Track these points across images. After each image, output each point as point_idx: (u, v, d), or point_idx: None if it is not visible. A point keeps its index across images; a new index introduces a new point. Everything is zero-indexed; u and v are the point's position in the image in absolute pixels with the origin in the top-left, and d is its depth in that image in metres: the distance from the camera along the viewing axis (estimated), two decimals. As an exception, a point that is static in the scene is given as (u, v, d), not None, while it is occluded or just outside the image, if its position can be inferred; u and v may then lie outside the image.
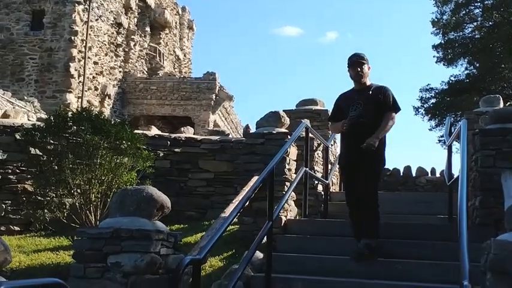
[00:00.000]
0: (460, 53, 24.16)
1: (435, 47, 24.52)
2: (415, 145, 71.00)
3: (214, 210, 8.65)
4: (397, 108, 5.09)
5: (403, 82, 78.99)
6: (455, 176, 6.28)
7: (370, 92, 5.02)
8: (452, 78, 24.29)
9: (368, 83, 5.13)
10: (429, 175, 11.98)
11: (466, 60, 24.21)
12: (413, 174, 12.00)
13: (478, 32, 24.04)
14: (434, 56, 24.80)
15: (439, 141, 23.75)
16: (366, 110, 4.93)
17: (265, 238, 5.00)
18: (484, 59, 22.44)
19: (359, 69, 5.03)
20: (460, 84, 23.64)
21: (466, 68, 24.38)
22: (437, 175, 11.73)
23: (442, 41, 24.43)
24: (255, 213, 6.44)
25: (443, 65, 24.62)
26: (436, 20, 24.21)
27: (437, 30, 24.32)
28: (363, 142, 4.81)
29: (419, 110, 24.64)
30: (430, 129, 24.82)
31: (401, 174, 12.01)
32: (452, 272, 4.42)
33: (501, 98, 9.38)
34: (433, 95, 24.57)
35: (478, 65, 23.67)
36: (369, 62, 5.14)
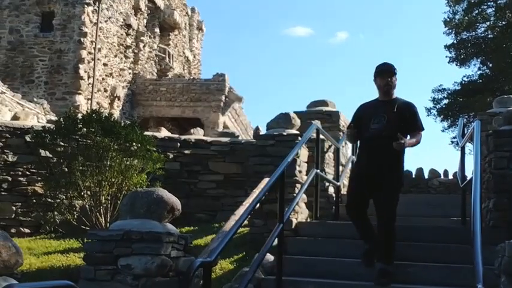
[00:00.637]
0: (473, 53, 24.01)
1: (447, 47, 24.39)
2: (427, 147, 70.64)
3: (224, 213, 8.62)
4: (423, 128, 4.95)
5: (415, 83, 78.62)
6: (468, 178, 6.21)
7: (396, 106, 4.80)
8: (465, 79, 24.18)
9: (394, 95, 4.92)
10: (442, 177, 11.88)
11: (478, 60, 24.06)
12: (426, 176, 11.92)
13: (491, 31, 23.87)
14: (446, 56, 24.71)
15: (452, 142, 23.62)
16: (390, 124, 4.71)
17: (275, 241, 4.96)
18: (497, 59, 22.28)
19: (389, 79, 4.80)
20: (473, 84, 23.49)
21: (479, 68, 24.24)
22: (450, 177, 11.63)
23: (455, 41, 24.30)
24: (265, 216, 6.41)
25: (456, 65, 24.50)
26: (448, 19, 24.08)
27: (450, 30, 24.19)
28: (383, 155, 4.65)
29: (432, 111, 24.52)
30: (443, 131, 24.71)
31: (414, 176, 11.92)
32: (465, 275, 4.37)
33: (515, 99, 9.26)
34: (445, 96, 24.44)
35: (491, 65, 23.51)
36: (398, 73, 4.94)
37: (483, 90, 22.02)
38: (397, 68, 4.85)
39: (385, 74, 4.78)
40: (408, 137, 4.81)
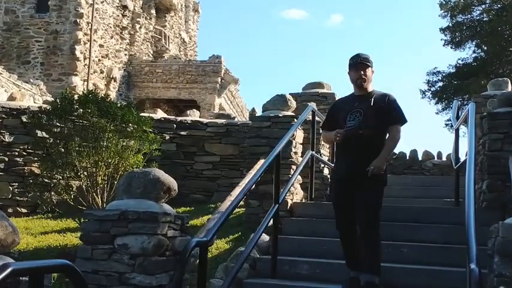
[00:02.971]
0: (468, 36, 23.95)
1: (443, 30, 24.32)
2: (421, 129, 70.81)
3: (220, 193, 8.69)
4: (403, 120, 4.41)
5: (410, 65, 78.50)
6: (462, 160, 6.26)
7: (372, 100, 4.34)
8: (459, 62, 24.15)
9: (370, 89, 4.44)
10: (435, 159, 11.95)
11: (473, 43, 24.02)
12: (420, 158, 11.98)
13: (487, 14, 23.79)
14: (441, 39, 24.62)
15: (446, 125, 23.68)
16: (366, 120, 4.26)
17: (271, 221, 5.02)
18: (492, 42, 22.24)
19: (362, 73, 4.33)
20: (468, 67, 23.47)
21: (474, 51, 24.20)
22: (444, 159, 11.70)
23: (450, 24, 24.21)
24: (261, 197, 6.46)
25: (451, 48, 24.45)
26: (444, 2, 23.96)
27: (445, 13, 24.08)
28: (362, 156, 4.19)
29: (426, 93, 24.54)
30: (437, 113, 24.74)
31: (408, 157, 11.98)
32: (459, 255, 4.43)
33: (509, 81, 9.30)
34: (440, 78, 24.44)
35: (486, 48, 23.47)
36: (373, 64, 4.45)
37: (478, 73, 22.01)
38: (371, 59, 4.41)
39: (357, 66, 4.34)
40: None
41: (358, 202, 4.16)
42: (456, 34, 24.19)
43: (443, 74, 24.35)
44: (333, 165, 4.64)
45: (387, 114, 4.30)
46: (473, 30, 23.88)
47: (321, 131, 5.21)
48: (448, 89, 24.03)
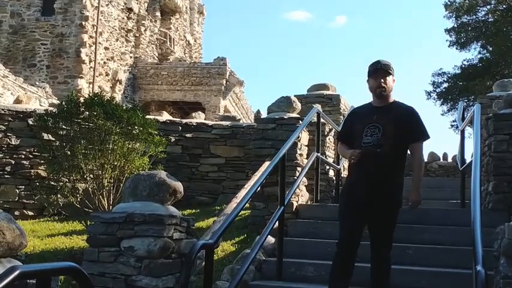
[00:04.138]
0: (473, 37, 23.92)
1: (448, 31, 24.31)
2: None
3: (225, 196, 8.70)
4: (426, 136, 4.06)
5: (415, 66, 78.31)
6: (468, 161, 6.24)
7: (393, 113, 3.93)
8: (465, 63, 24.14)
9: (391, 99, 4.03)
10: (441, 160, 11.92)
11: (479, 44, 23.99)
12: (425, 160, 11.93)
13: (492, 15, 23.74)
14: (447, 40, 24.64)
15: (452, 126, 23.67)
16: (386, 135, 3.85)
17: (276, 223, 5.02)
18: (497, 43, 22.19)
19: (382, 81, 3.92)
20: (473, 68, 23.44)
21: (479, 52, 24.19)
22: (450, 160, 11.67)
23: (455, 25, 24.19)
24: (266, 199, 6.47)
25: (456, 48, 24.44)
26: (449, 3, 23.94)
27: (450, 14, 24.05)
28: (380, 177, 3.85)
29: (432, 94, 24.53)
30: (442, 114, 24.75)
31: (413, 159, 11.92)
32: (465, 257, 4.42)
33: (515, 82, 9.27)
34: (445, 80, 24.42)
35: (491, 48, 23.43)
36: (395, 72, 4.02)
37: (483, 74, 21.98)
38: (393, 66, 4.01)
39: (378, 73, 3.93)
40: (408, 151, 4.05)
41: (373, 229, 3.90)
42: (461, 35, 24.17)
43: (449, 75, 24.33)
44: (348, 177, 4.20)
45: (409, 130, 3.91)
46: (478, 31, 23.83)
47: (338, 144, 4.60)
48: (453, 90, 24.01)
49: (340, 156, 7.67)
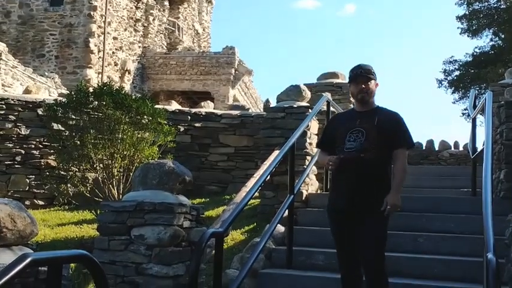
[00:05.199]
0: (485, 24, 23.67)
1: (459, 18, 24.07)
2: (438, 118, 70.22)
3: (235, 185, 8.70)
4: (411, 144, 3.83)
5: (426, 55, 77.78)
6: (479, 149, 6.20)
7: (377, 119, 3.73)
8: (476, 50, 23.92)
9: (374, 105, 3.86)
10: (452, 149, 11.86)
11: (491, 31, 23.74)
12: (436, 148, 11.89)
13: (504, 2, 23.47)
14: (458, 27, 24.38)
15: (463, 114, 23.53)
16: (369, 141, 3.65)
17: (286, 212, 5.02)
18: (509, 30, 21.98)
19: (363, 86, 3.75)
20: (485, 55, 23.23)
21: (491, 39, 23.94)
22: (461, 149, 11.61)
23: (467, 12, 23.95)
24: (276, 188, 6.46)
25: (468, 36, 24.20)
26: (460, -11, 23.70)
27: (462, 1, 23.83)
28: (363, 186, 3.59)
29: (443, 82, 24.35)
30: (454, 102, 24.60)
31: (424, 148, 11.90)
32: (476, 245, 4.40)
33: (527, 70, 9.18)
34: (456, 67, 24.23)
35: (503, 36, 23.20)
36: (377, 76, 3.85)
37: (495, 62, 21.77)
38: (374, 70, 3.85)
39: (358, 79, 3.77)
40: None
41: (365, 241, 3.53)
42: (473, 22, 23.92)
43: (460, 63, 24.14)
44: (330, 192, 3.99)
45: (393, 135, 3.67)
46: (490, 18, 23.58)
47: (317, 151, 4.38)
48: (464, 78, 23.82)
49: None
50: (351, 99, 9.28)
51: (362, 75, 3.78)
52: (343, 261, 3.70)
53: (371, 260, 3.52)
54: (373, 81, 3.81)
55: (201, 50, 28.86)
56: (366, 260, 3.54)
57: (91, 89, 7.11)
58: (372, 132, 3.67)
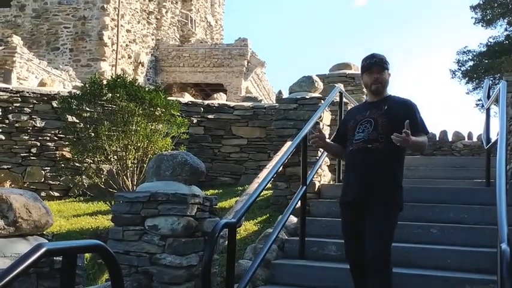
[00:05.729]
0: (499, 14, 23.36)
1: (473, 8, 23.77)
2: (451, 109, 69.62)
3: (247, 176, 8.74)
4: (425, 131, 3.64)
5: (440, 45, 77.02)
6: (493, 140, 6.15)
7: (386, 106, 3.61)
8: (490, 40, 23.60)
9: (385, 94, 3.73)
10: (466, 139, 11.77)
11: (505, 20, 23.41)
12: (450, 139, 11.81)
13: (519, -9, 23.16)
14: (472, 17, 24.08)
15: (477, 105, 23.30)
16: (377, 131, 3.52)
17: (299, 203, 5.03)
18: (524, 20, 21.68)
19: (377, 76, 3.62)
20: (499, 45, 22.93)
21: (506, 29, 23.59)
22: (475, 139, 11.52)
23: (481, 1, 23.63)
24: (288, 179, 6.47)
25: (482, 26, 23.90)
26: (474, -21, 23.42)
27: (476, -10, 23.53)
28: (372, 178, 3.49)
29: (456, 73, 24.10)
30: (468, 93, 24.32)
31: (437, 138, 11.82)
32: (489, 235, 4.39)
33: (543, 59, 9.06)
34: (470, 58, 23.96)
35: (518, 25, 22.89)
36: (390, 66, 3.71)
37: (510, 51, 21.50)
38: (387, 60, 3.70)
39: (372, 68, 3.64)
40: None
41: (368, 231, 3.43)
42: (487, 12, 23.62)
43: (474, 53, 23.86)
44: (342, 184, 3.90)
45: (409, 123, 3.39)
46: (504, 7, 23.27)
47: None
48: (478, 68, 23.55)
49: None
50: (364, 90, 9.28)
51: (376, 64, 3.65)
52: (350, 251, 3.62)
53: (371, 250, 3.39)
54: (386, 71, 3.68)
55: (214, 42, 28.86)
56: (368, 251, 3.40)
57: (105, 81, 7.16)
58: (379, 121, 3.55)
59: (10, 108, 9.12)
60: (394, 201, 3.51)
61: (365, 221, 3.46)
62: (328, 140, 3.87)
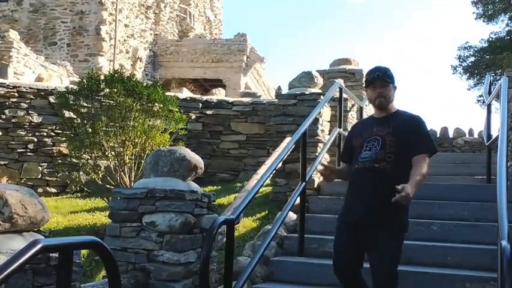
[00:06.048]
0: (501, 9, 23.31)
1: (474, 3, 23.74)
2: (452, 105, 69.64)
3: (246, 172, 8.70)
4: (433, 150, 3.52)
5: (440, 40, 77.02)
6: (494, 136, 6.12)
7: (393, 124, 3.47)
8: (492, 35, 23.56)
9: (393, 109, 3.59)
10: (467, 136, 11.75)
11: (506, 16, 23.37)
12: (450, 135, 11.79)
13: (520, -14, 23.11)
14: (473, 13, 24.05)
15: (478, 101, 23.27)
16: (386, 148, 3.40)
17: (298, 199, 4.99)
18: (525, 15, 21.64)
19: (380, 91, 3.50)
20: (501, 41, 22.90)
21: (507, 25, 23.54)
22: (475, 136, 11.50)
23: (482, -4, 23.62)
24: (287, 175, 6.44)
25: (483, 21, 23.86)
26: (475, -26, 23.37)
27: (477, -14, 23.49)
28: (378, 199, 3.32)
29: (457, 68, 24.06)
30: (469, 89, 24.34)
31: (438, 135, 11.80)
32: (490, 232, 4.35)
33: (543, 55, 9.02)
34: (471, 53, 23.91)
35: (519, 21, 22.85)
36: (395, 80, 3.57)
37: (511, 47, 21.46)
38: (392, 73, 3.57)
39: (375, 83, 3.51)
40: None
41: (373, 262, 3.32)
42: (488, 7, 23.58)
43: (475, 49, 23.82)
44: (345, 198, 3.68)
45: (412, 141, 3.39)
46: (506, 2, 23.21)
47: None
48: (480, 64, 23.51)
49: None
50: (364, 85, 9.25)
51: (379, 79, 3.52)
52: (339, 266, 3.51)
53: (385, 272, 3.28)
54: (390, 85, 3.54)
55: (213, 37, 28.78)
56: (380, 273, 3.28)
57: (102, 77, 7.11)
58: (387, 140, 3.42)
59: (7, 103, 9.06)
60: (400, 222, 3.39)
61: (369, 243, 3.34)
62: (338, 167, 3.76)
